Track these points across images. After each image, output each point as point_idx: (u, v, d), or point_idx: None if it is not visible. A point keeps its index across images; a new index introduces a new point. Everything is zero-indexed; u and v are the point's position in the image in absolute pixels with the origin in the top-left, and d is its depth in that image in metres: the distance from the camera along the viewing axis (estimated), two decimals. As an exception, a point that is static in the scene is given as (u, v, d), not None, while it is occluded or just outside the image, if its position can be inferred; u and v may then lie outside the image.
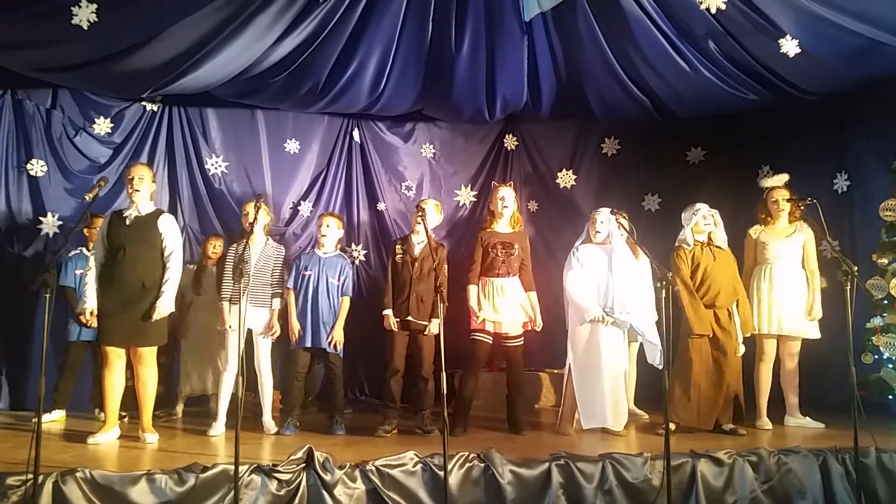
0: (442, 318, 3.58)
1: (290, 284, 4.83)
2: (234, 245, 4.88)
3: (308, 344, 4.75)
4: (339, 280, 4.85)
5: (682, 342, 4.71)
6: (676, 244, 4.87)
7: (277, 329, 4.78)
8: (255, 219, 4.45)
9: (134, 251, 4.32)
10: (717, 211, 4.87)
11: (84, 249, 5.27)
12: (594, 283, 4.71)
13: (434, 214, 4.89)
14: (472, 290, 4.78)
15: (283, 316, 4.85)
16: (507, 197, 4.92)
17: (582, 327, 4.68)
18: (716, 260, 4.76)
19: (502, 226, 4.93)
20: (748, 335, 4.81)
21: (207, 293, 5.31)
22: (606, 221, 4.81)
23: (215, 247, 5.56)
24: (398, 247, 4.89)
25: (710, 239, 4.84)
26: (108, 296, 4.31)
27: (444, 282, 4.69)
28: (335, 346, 4.76)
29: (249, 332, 4.72)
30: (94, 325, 4.99)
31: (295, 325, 4.76)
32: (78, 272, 5.16)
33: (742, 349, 4.74)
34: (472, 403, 4.89)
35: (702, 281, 4.70)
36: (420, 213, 4.46)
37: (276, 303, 4.79)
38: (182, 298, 5.12)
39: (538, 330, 4.87)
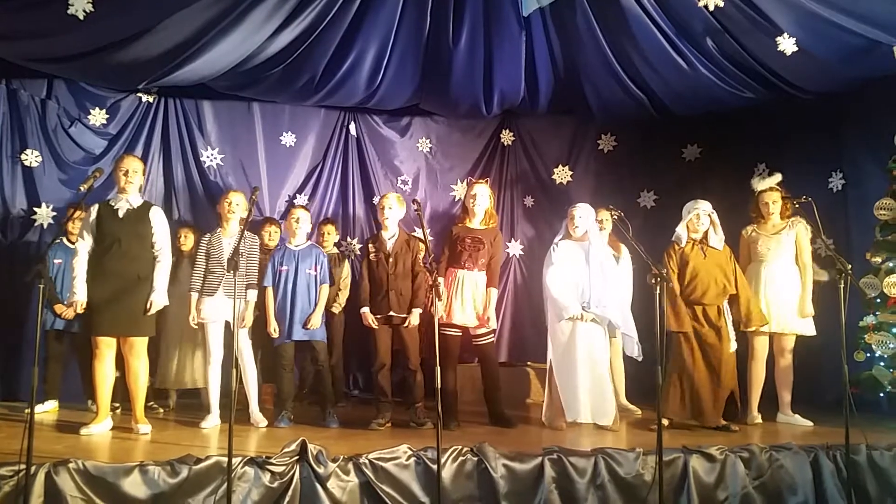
0: (436, 311, 3.59)
1: (268, 282, 4.79)
2: (207, 237, 4.80)
3: (293, 337, 4.74)
4: (315, 270, 4.83)
5: (674, 339, 4.74)
6: (673, 240, 4.90)
7: (249, 319, 4.71)
8: (249, 211, 4.43)
9: (129, 244, 4.34)
10: (714, 212, 4.86)
11: (64, 239, 5.20)
12: (573, 279, 4.72)
13: (398, 207, 4.87)
14: (440, 282, 4.73)
15: (263, 311, 4.81)
16: (479, 194, 4.93)
17: (561, 323, 4.69)
18: (706, 258, 4.77)
19: (475, 222, 4.95)
20: (751, 329, 4.79)
21: (182, 284, 5.15)
22: (585, 216, 4.82)
23: (185, 236, 5.47)
24: (370, 245, 4.88)
25: (704, 237, 4.85)
26: (99, 287, 4.31)
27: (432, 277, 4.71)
28: (310, 326, 4.70)
29: (226, 323, 4.71)
30: (70, 317, 4.99)
31: (273, 324, 4.73)
32: (56, 262, 5.15)
33: (734, 346, 4.73)
34: (458, 396, 4.89)
35: (689, 279, 4.72)
36: (416, 209, 4.43)
37: (252, 294, 4.75)
38: None
39: (488, 327, 4.85)
